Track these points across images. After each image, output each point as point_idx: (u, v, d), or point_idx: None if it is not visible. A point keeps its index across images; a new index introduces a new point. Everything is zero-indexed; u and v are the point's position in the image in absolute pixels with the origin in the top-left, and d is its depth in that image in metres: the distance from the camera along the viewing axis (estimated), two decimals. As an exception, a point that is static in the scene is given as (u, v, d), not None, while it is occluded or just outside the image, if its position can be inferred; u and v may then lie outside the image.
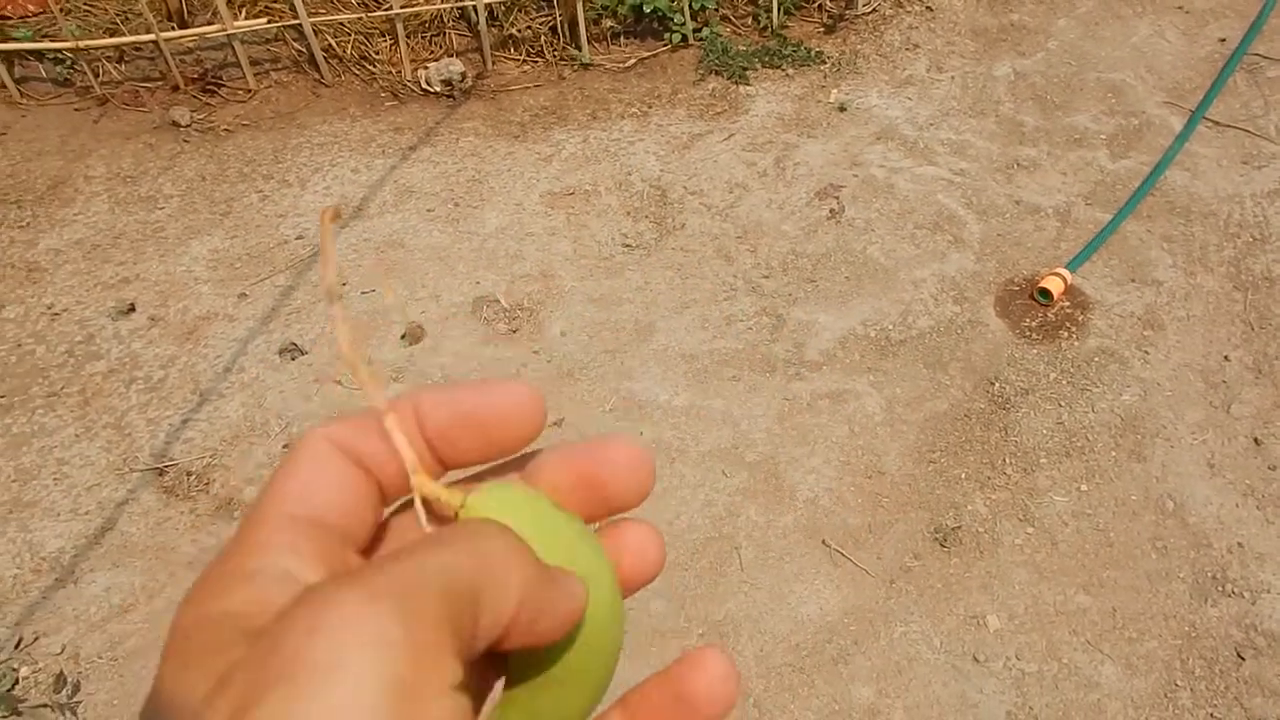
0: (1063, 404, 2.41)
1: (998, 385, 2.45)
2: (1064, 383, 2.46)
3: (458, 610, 0.26)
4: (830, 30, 3.54)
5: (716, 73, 3.38)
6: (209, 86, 3.34)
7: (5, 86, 3.29)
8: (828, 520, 2.21)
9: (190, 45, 3.35)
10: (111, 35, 3.31)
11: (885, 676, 1.98)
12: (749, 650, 2.01)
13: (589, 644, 0.31)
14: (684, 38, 3.44)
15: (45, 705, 1.94)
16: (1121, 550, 2.16)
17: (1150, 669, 1.99)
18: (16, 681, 1.98)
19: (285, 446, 2.34)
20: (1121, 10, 3.61)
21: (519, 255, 2.79)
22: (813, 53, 3.42)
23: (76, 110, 3.29)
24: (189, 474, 2.32)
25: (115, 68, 3.38)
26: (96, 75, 3.33)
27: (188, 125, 3.22)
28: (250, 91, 3.35)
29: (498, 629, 0.27)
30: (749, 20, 3.57)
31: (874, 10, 3.60)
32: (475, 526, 0.29)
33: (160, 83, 3.35)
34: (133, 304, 2.69)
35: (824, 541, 2.18)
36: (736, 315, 2.63)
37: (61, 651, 2.03)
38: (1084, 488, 2.26)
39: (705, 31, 3.46)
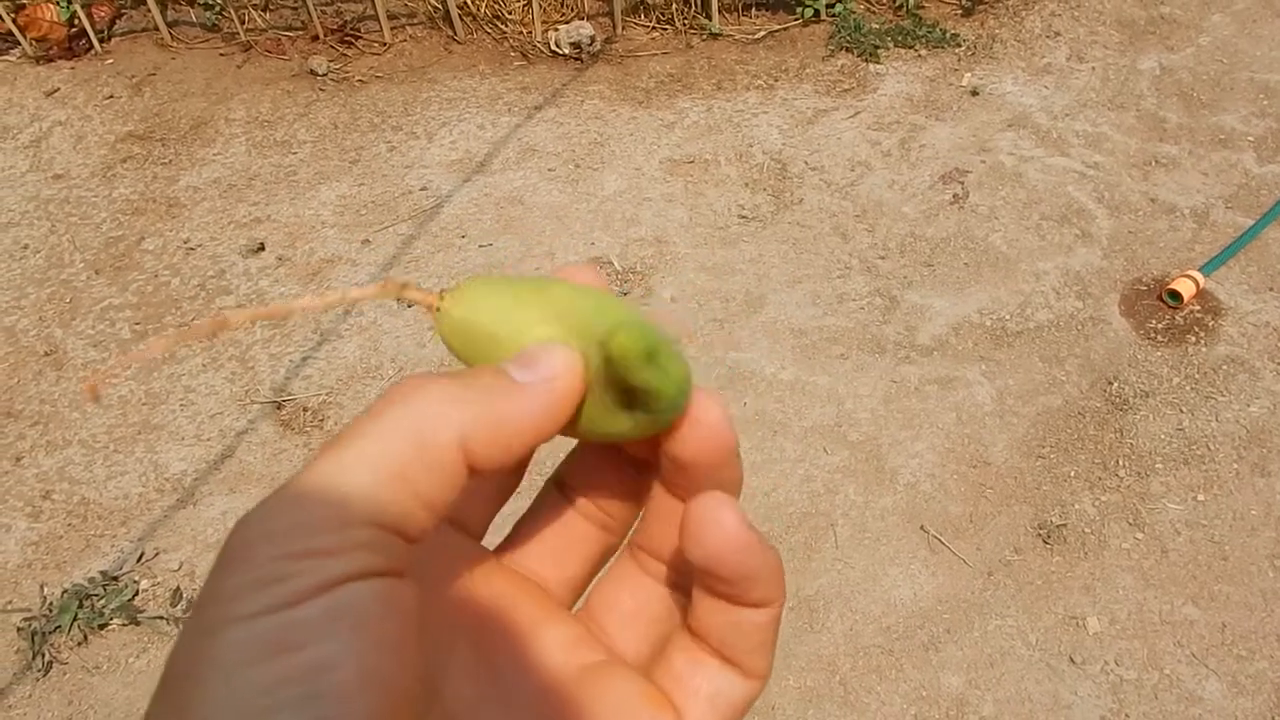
0: (1184, 410, 2.33)
1: (1116, 385, 2.37)
2: (1187, 388, 2.37)
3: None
4: (968, 13, 3.45)
5: (847, 49, 3.32)
6: (347, 38, 3.43)
7: (159, 29, 3.44)
8: (928, 506, 2.18)
9: (332, -3, 3.44)
10: (258, -17, 3.42)
11: (976, 668, 1.95)
12: (838, 628, 2.00)
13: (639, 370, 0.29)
14: (816, 12, 3.40)
15: (162, 617, 2.04)
16: (1236, 565, 2.08)
17: (1258, 689, 1.91)
18: (137, 593, 2.09)
19: (397, 390, 2.41)
20: (1282, 6, 3.44)
21: (635, 219, 2.81)
22: (948, 34, 3.34)
23: (222, 55, 3.42)
24: (305, 409, 2.40)
25: (260, 16, 3.49)
26: (243, 22, 3.44)
27: (324, 75, 3.31)
28: (385, 45, 3.43)
29: (457, 480, 0.28)
30: (884, -2, 3.50)
31: (1015, -6, 3.50)
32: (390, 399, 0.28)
33: (301, 32, 3.45)
34: (263, 243, 2.79)
35: (922, 527, 2.15)
36: (849, 294, 2.60)
37: (179, 568, 2.14)
38: (1201, 498, 2.18)
39: (839, 7, 3.41)
